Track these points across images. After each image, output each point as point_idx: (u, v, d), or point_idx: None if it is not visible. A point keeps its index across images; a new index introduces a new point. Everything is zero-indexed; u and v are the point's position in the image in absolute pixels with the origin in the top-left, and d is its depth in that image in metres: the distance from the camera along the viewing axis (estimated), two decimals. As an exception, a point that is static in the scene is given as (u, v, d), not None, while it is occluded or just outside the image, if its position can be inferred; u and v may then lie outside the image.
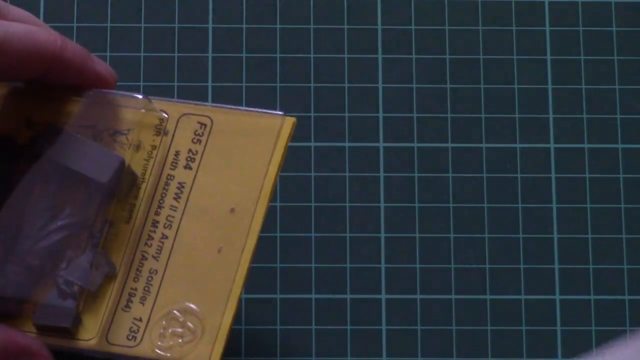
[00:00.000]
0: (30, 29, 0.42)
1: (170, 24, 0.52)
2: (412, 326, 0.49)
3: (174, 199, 0.44)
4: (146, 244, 0.44)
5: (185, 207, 0.44)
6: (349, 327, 0.49)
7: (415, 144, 0.51)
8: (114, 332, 0.43)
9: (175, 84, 0.51)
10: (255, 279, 0.49)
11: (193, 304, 0.43)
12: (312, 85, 0.51)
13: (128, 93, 0.45)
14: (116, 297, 0.43)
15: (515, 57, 0.52)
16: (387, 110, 0.51)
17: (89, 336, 0.43)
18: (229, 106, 0.45)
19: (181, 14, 0.52)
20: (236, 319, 0.48)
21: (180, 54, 0.52)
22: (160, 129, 0.45)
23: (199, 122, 0.45)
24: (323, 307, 0.49)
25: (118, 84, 0.51)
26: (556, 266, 0.50)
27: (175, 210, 0.44)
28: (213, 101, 0.51)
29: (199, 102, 0.45)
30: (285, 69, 0.52)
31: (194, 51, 0.52)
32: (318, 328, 0.49)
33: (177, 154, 0.44)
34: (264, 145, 0.44)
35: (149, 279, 0.43)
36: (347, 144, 0.51)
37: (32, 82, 0.44)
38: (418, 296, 0.49)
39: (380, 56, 0.52)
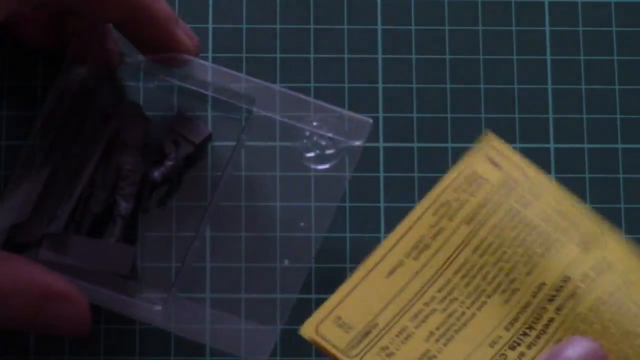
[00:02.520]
0: None
1: (170, 24, 0.52)
2: (412, 326, 0.49)
3: None
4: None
5: None
6: (349, 327, 0.49)
7: (415, 144, 0.51)
8: None
9: (176, 84, 0.51)
10: (254, 278, 0.49)
11: None
12: (312, 85, 0.51)
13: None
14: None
15: (515, 57, 0.52)
16: (387, 110, 0.51)
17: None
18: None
19: (181, 14, 0.52)
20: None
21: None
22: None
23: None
24: (323, 307, 0.49)
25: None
26: (556, 266, 0.50)
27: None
28: (214, 98, 0.51)
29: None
30: (285, 69, 0.52)
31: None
32: (318, 328, 0.49)
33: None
34: None
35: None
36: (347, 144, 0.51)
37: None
38: (418, 296, 0.49)
39: (380, 56, 0.52)
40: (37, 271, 0.43)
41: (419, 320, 0.42)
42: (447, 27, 0.52)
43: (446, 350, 0.42)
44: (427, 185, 0.51)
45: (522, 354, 0.41)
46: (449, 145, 0.51)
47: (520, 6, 0.53)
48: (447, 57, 0.52)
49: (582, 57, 0.52)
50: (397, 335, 0.42)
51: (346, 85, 0.52)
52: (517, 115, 0.51)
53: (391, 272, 0.43)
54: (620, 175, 0.51)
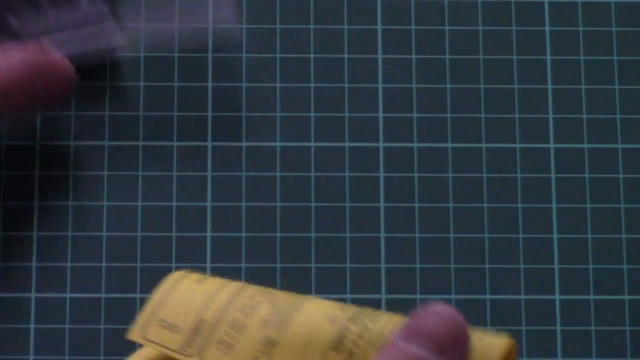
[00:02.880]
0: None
1: (170, 23, 0.52)
2: (412, 326, 0.49)
3: None
4: None
5: None
6: (349, 327, 0.49)
7: (415, 144, 0.51)
8: None
9: (175, 84, 0.51)
10: (255, 278, 0.49)
11: None
12: (312, 85, 0.51)
13: None
14: None
15: (515, 57, 0.52)
16: (387, 110, 0.51)
17: None
18: None
19: (181, 13, 0.52)
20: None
21: (180, 54, 0.52)
22: None
23: None
24: (323, 307, 0.49)
25: (122, 84, 0.51)
26: (556, 266, 0.50)
27: None
28: (213, 102, 0.51)
29: None
30: (285, 69, 0.52)
31: (194, 51, 0.52)
32: (318, 328, 0.49)
33: None
34: None
35: None
36: (347, 144, 0.51)
37: None
38: (418, 296, 0.49)
39: (380, 56, 0.52)
40: (27, 48, 0.46)
41: (247, 312, 0.40)
42: (447, 27, 0.52)
43: (286, 334, 0.40)
44: (427, 185, 0.51)
45: (366, 327, 0.40)
46: (449, 145, 0.51)
47: (520, 6, 0.53)
48: (447, 57, 0.52)
49: (582, 57, 0.52)
50: (230, 328, 0.40)
51: (346, 85, 0.52)
52: (517, 115, 0.51)
53: (201, 281, 0.42)
54: (620, 175, 0.51)
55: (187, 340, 0.41)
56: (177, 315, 0.41)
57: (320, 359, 0.39)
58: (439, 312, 0.38)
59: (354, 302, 0.49)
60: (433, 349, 0.37)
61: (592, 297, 0.50)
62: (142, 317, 0.41)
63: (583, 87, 0.52)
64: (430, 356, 0.37)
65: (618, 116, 0.52)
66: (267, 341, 0.40)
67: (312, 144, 0.51)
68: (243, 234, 0.50)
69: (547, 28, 0.52)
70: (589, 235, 0.50)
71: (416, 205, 0.50)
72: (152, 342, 0.41)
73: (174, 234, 0.50)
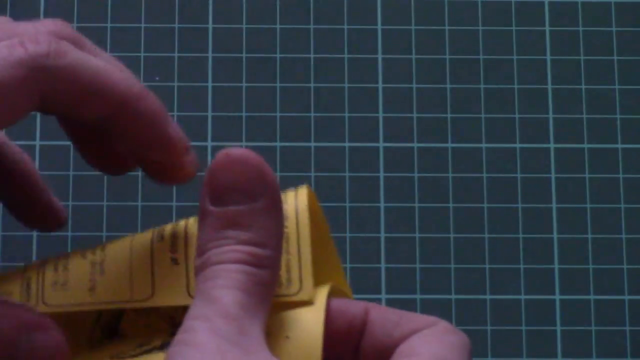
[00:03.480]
0: (107, 67, 0.38)
1: (170, 24, 0.52)
2: (412, 326, 0.49)
3: None
4: None
5: None
6: (349, 327, 0.49)
7: (415, 144, 0.51)
8: None
9: (175, 84, 0.51)
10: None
11: None
12: (312, 85, 0.52)
13: None
14: None
15: (515, 57, 0.52)
16: (387, 110, 0.51)
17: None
18: None
19: (181, 14, 0.52)
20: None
21: (180, 54, 0.52)
22: None
23: None
24: (323, 307, 0.49)
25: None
26: (556, 266, 0.50)
27: None
28: (212, 103, 0.51)
29: None
30: (285, 69, 0.52)
31: (194, 51, 0.52)
32: (318, 328, 0.49)
33: None
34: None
35: None
36: (347, 144, 0.51)
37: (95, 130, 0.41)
38: (418, 296, 0.49)
39: (380, 56, 0.52)
40: (7, 305, 0.42)
41: (63, 257, 0.42)
42: (447, 27, 0.52)
43: (108, 252, 0.41)
44: (427, 185, 0.51)
45: (177, 221, 0.41)
46: (449, 145, 0.51)
47: (520, 6, 0.53)
48: (447, 57, 0.52)
49: (582, 57, 0.52)
50: (55, 271, 0.42)
51: (346, 85, 0.52)
52: (517, 115, 0.51)
53: None
54: (620, 175, 0.51)
55: (23, 297, 0.42)
56: (1, 287, 0.42)
57: (149, 251, 0.40)
58: (236, 159, 0.36)
59: (354, 302, 0.49)
60: (245, 200, 0.36)
61: (592, 297, 0.50)
62: None
63: (583, 87, 0.52)
64: (245, 207, 0.36)
65: (618, 116, 0.52)
66: (94, 263, 0.41)
67: (312, 144, 0.51)
68: (243, 234, 0.50)
69: (547, 28, 0.53)
70: (589, 235, 0.50)
71: (416, 205, 0.50)
72: None
73: (174, 234, 0.50)
